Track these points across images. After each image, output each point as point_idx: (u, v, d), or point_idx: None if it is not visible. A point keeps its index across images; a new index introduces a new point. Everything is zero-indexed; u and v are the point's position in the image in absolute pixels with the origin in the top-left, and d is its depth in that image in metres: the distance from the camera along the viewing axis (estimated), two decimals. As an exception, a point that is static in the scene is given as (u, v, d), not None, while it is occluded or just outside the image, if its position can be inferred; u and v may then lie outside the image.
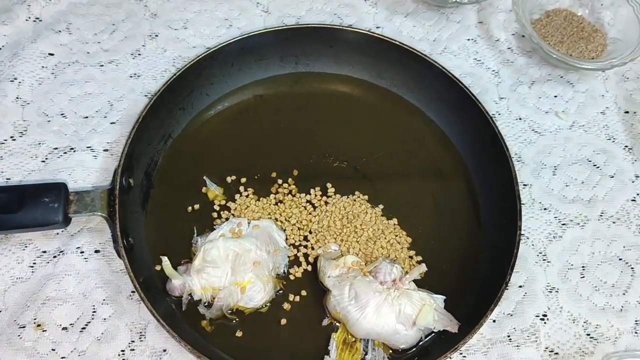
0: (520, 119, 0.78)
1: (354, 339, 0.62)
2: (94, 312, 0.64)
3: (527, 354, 0.63)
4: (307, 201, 0.70)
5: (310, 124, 0.76)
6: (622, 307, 0.66)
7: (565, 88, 0.81)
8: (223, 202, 0.69)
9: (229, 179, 0.71)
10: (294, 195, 0.70)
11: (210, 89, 0.76)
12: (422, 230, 0.68)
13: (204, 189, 0.70)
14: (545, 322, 0.65)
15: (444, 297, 0.63)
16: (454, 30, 0.85)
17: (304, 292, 0.65)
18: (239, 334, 0.62)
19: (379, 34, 0.76)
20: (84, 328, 0.63)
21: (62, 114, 0.75)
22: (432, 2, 0.86)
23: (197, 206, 0.69)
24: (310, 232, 0.68)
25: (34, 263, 0.66)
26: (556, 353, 0.64)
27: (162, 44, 0.82)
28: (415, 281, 0.63)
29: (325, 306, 0.63)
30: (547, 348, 0.64)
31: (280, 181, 0.71)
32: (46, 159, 0.72)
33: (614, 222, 0.71)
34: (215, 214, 0.68)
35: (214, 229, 0.66)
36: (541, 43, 0.77)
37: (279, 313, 0.64)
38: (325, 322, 0.63)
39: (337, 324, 0.63)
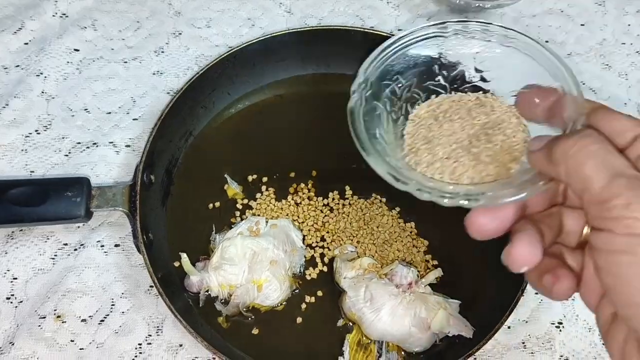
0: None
1: (368, 341, 0.62)
2: (112, 305, 0.65)
3: (541, 361, 0.63)
4: (324, 205, 0.70)
5: (330, 125, 0.75)
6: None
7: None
8: (244, 201, 0.70)
9: (250, 178, 0.71)
10: (310, 200, 0.70)
11: (231, 88, 0.76)
12: (438, 234, 0.68)
13: (225, 187, 0.71)
14: (560, 330, 0.65)
15: (459, 302, 0.63)
16: (476, 35, 0.85)
17: (319, 293, 0.65)
18: (254, 331, 0.63)
19: (400, 37, 0.76)
20: (102, 320, 0.64)
21: (85, 109, 0.77)
22: (455, 6, 0.86)
23: (217, 204, 0.69)
24: (327, 233, 0.68)
25: (55, 255, 0.67)
26: (571, 361, 0.64)
27: (185, 42, 0.83)
28: (430, 285, 0.63)
29: (340, 307, 0.64)
30: (562, 356, 0.64)
31: (299, 181, 0.71)
32: (69, 153, 0.74)
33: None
34: (237, 212, 0.69)
35: (232, 227, 0.67)
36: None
37: (294, 312, 0.64)
38: (340, 322, 0.63)
39: (352, 325, 0.63)
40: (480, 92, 0.48)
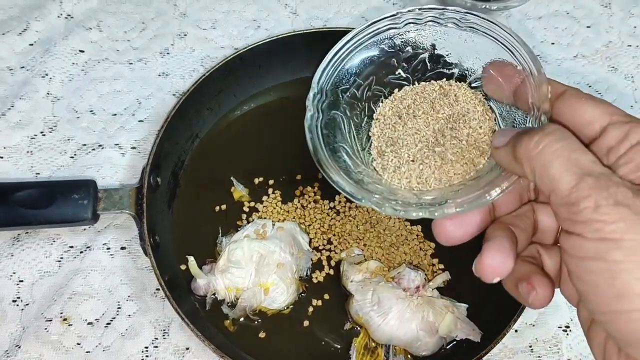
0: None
1: (375, 345, 0.62)
2: (119, 308, 0.65)
3: (548, 365, 0.63)
4: (331, 208, 0.70)
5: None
6: None
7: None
8: (251, 204, 0.70)
9: (256, 180, 0.71)
10: (316, 203, 0.70)
11: (237, 90, 0.76)
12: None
13: (231, 189, 0.70)
14: (567, 334, 0.65)
15: (466, 306, 0.63)
16: (482, 37, 0.85)
17: (326, 296, 0.65)
18: (261, 335, 0.63)
19: (407, 39, 0.76)
20: (109, 323, 0.64)
21: (91, 111, 0.76)
22: (460, 8, 0.85)
23: (223, 206, 0.69)
24: (334, 236, 0.68)
25: (61, 258, 0.67)
26: (578, 365, 0.64)
27: (191, 44, 0.82)
28: (438, 289, 0.63)
29: (347, 310, 0.63)
30: (569, 359, 0.64)
31: (305, 184, 0.71)
32: (75, 154, 0.73)
33: None
34: (244, 215, 0.69)
35: (239, 230, 0.66)
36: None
37: (301, 315, 0.64)
38: (347, 326, 0.63)
39: (359, 328, 0.63)
40: (444, 79, 0.47)
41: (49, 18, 0.82)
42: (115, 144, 0.74)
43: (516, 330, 0.65)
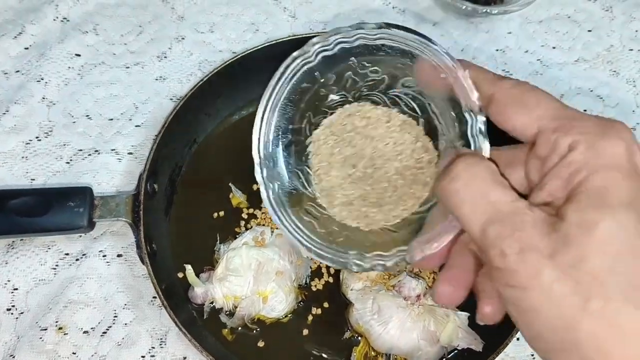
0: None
1: (375, 354, 0.61)
2: (115, 316, 0.64)
3: (551, 374, 0.62)
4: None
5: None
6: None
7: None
8: (249, 210, 0.69)
9: (254, 187, 0.70)
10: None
11: (236, 95, 0.75)
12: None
13: (229, 196, 0.69)
14: (570, 342, 0.64)
15: (467, 314, 0.62)
16: (482, 40, 0.84)
17: (325, 304, 0.64)
18: (260, 343, 0.62)
19: (407, 43, 0.75)
20: (105, 332, 0.63)
21: (87, 116, 0.75)
22: (462, 12, 0.85)
23: (221, 213, 0.68)
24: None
25: (57, 265, 0.66)
26: (581, 374, 0.63)
27: (189, 47, 0.81)
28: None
29: (347, 319, 0.63)
30: (571, 369, 0.63)
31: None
32: (71, 160, 0.72)
33: None
34: (242, 222, 0.68)
35: (237, 237, 0.66)
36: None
37: (300, 324, 0.63)
38: (347, 335, 0.63)
39: (359, 337, 0.62)
40: (375, 105, 0.46)
41: (44, 21, 0.81)
42: (112, 150, 0.73)
43: (518, 339, 0.64)
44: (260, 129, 0.45)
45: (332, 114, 0.47)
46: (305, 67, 0.45)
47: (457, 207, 0.33)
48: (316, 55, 0.44)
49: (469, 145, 0.38)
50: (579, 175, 0.31)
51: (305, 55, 0.44)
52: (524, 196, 0.33)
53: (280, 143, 0.46)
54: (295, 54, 0.45)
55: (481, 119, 0.37)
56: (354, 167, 0.45)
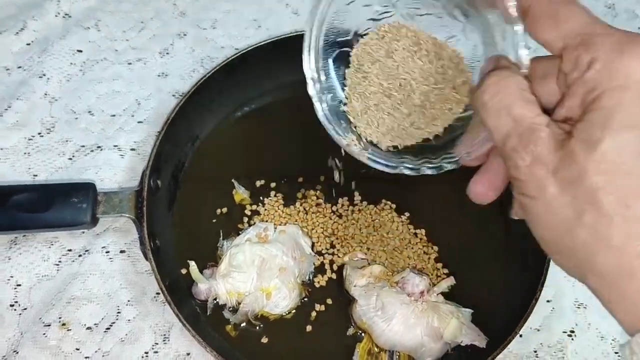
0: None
1: (378, 350, 0.61)
2: (118, 312, 0.64)
3: (554, 370, 0.63)
4: (333, 212, 0.69)
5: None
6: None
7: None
8: (252, 207, 0.69)
9: (257, 183, 0.70)
10: (318, 206, 0.69)
11: (238, 91, 0.75)
12: (449, 241, 0.67)
13: (233, 192, 0.69)
14: (572, 339, 0.64)
15: (471, 311, 0.62)
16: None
17: (329, 301, 0.64)
18: (263, 340, 0.62)
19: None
20: (108, 328, 0.63)
21: (89, 112, 0.75)
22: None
23: (224, 210, 0.68)
24: (337, 239, 0.67)
25: (60, 261, 0.66)
26: (583, 370, 0.63)
27: (191, 44, 0.81)
28: (442, 294, 0.62)
29: (350, 315, 0.63)
30: (574, 365, 0.63)
31: (307, 187, 0.70)
32: (73, 156, 0.72)
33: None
34: (245, 218, 0.68)
35: (240, 233, 0.66)
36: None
37: (303, 320, 0.63)
38: (351, 331, 0.62)
39: (363, 334, 0.62)
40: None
41: (46, 17, 0.81)
42: (114, 146, 0.73)
43: (521, 335, 0.64)
44: (309, 42, 0.46)
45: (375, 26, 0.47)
46: None
47: (485, 118, 0.35)
48: None
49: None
50: (592, 94, 0.32)
51: None
52: (549, 112, 0.35)
53: (330, 56, 0.47)
54: None
55: (518, 28, 0.37)
56: (387, 90, 0.46)
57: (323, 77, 0.46)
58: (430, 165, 0.44)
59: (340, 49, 0.47)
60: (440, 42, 0.46)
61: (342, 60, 0.47)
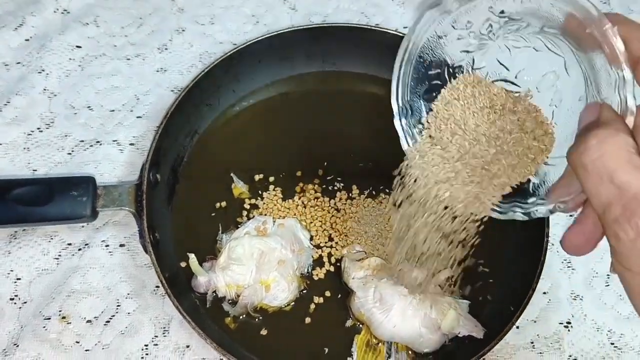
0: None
1: (377, 341, 0.62)
2: (118, 305, 0.64)
3: (550, 361, 0.63)
4: (331, 204, 0.69)
5: (336, 123, 0.75)
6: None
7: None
8: (251, 200, 0.69)
9: (256, 177, 0.70)
10: (317, 199, 0.70)
11: (236, 86, 0.75)
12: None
13: (232, 186, 0.70)
14: (569, 330, 0.65)
15: (468, 302, 0.63)
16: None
17: (327, 293, 0.65)
18: (262, 332, 0.62)
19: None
20: (108, 321, 0.63)
21: (88, 107, 0.76)
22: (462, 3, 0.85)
23: (223, 203, 0.69)
24: (335, 232, 0.68)
25: (59, 255, 0.66)
26: (580, 361, 0.64)
27: (189, 39, 0.82)
28: (439, 285, 0.63)
29: (349, 307, 0.63)
30: (570, 356, 0.64)
31: (306, 180, 0.71)
32: (72, 151, 0.73)
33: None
34: (244, 212, 0.68)
35: (239, 227, 0.66)
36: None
37: (302, 313, 0.64)
38: (349, 323, 0.63)
39: (361, 325, 0.63)
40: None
41: (45, 13, 0.81)
42: (114, 141, 0.73)
43: (518, 327, 0.64)
44: (398, 77, 0.45)
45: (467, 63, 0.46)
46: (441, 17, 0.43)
47: (584, 180, 0.32)
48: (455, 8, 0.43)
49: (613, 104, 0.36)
50: None
51: (442, 8, 0.43)
52: None
53: (418, 91, 0.46)
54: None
55: (627, 75, 0.34)
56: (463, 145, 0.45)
57: (410, 112, 0.46)
58: (519, 210, 0.43)
59: (430, 83, 0.46)
60: (514, 94, 0.45)
61: (432, 95, 0.46)
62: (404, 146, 0.46)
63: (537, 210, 0.42)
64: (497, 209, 0.44)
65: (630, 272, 0.31)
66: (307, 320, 0.63)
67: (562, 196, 0.40)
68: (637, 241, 0.30)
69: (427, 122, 0.47)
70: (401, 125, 0.46)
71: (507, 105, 0.45)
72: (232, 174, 0.70)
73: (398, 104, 0.45)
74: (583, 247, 0.37)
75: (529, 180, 0.45)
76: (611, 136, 0.32)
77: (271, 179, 0.71)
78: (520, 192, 0.45)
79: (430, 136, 0.47)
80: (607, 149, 0.31)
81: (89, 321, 0.63)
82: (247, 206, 0.69)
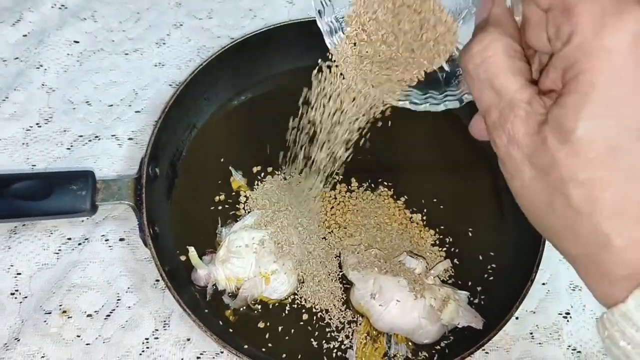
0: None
1: (377, 333, 0.62)
2: (118, 299, 0.64)
3: (549, 351, 0.63)
4: (331, 197, 0.70)
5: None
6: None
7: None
8: (248, 193, 0.69)
9: (254, 170, 0.71)
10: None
11: (234, 80, 0.75)
12: (445, 225, 0.68)
13: (231, 179, 0.70)
14: (568, 320, 0.65)
15: (467, 293, 0.63)
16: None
17: (327, 285, 0.65)
18: (262, 324, 0.62)
19: (405, 27, 0.76)
20: (108, 315, 0.63)
21: (87, 102, 0.76)
22: None
23: (222, 197, 0.69)
24: (334, 224, 0.68)
25: (60, 250, 0.67)
26: (579, 351, 0.64)
27: (187, 34, 0.82)
28: (439, 276, 0.63)
29: (348, 299, 0.63)
30: (569, 346, 0.64)
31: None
32: (71, 146, 0.73)
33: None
34: (241, 205, 0.68)
35: (238, 220, 0.66)
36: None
37: (302, 305, 0.64)
38: (349, 315, 0.63)
39: (361, 317, 0.63)
40: None
41: (42, 8, 0.81)
42: (112, 135, 0.73)
43: (517, 317, 0.65)
44: None
45: None
46: None
47: (469, 84, 0.34)
48: None
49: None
50: (570, 72, 0.30)
51: None
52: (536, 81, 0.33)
53: None
54: None
55: None
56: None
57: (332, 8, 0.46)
58: (433, 102, 0.44)
59: None
60: None
61: None
62: (328, 45, 0.47)
63: (448, 102, 0.44)
64: (414, 100, 0.45)
65: (509, 176, 0.33)
66: (307, 312, 0.63)
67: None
68: (509, 146, 0.32)
69: (347, 20, 0.47)
70: (323, 24, 0.46)
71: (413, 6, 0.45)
72: (230, 167, 0.70)
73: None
74: (485, 133, 0.37)
75: (442, 70, 0.46)
76: (493, 41, 0.32)
77: (269, 170, 0.71)
78: (434, 84, 0.46)
79: (347, 37, 0.47)
80: (489, 55, 0.32)
81: (89, 315, 0.63)
82: (243, 200, 0.69)
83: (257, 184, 0.70)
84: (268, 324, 0.63)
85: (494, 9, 0.34)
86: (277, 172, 0.71)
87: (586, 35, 0.29)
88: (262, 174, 0.70)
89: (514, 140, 0.31)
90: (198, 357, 0.62)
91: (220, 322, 0.62)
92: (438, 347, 0.61)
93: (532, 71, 0.33)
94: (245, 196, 0.69)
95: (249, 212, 0.67)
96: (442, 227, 0.68)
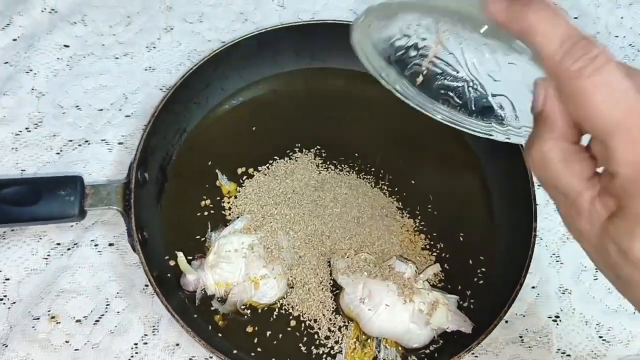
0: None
1: (366, 337, 0.62)
2: (107, 305, 0.64)
3: (539, 355, 0.63)
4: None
5: (325, 120, 0.75)
6: (635, 310, 0.66)
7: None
8: (234, 199, 0.69)
9: (240, 172, 0.70)
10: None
11: (225, 84, 0.75)
12: (436, 230, 0.68)
13: (217, 183, 0.70)
14: (557, 324, 0.65)
15: (457, 297, 0.63)
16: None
17: (317, 289, 0.65)
18: (250, 329, 0.62)
19: (395, 31, 0.76)
20: (97, 321, 0.63)
21: (77, 106, 0.75)
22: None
23: (211, 201, 0.69)
24: (324, 228, 0.68)
25: (48, 255, 0.66)
26: (568, 355, 0.64)
27: (177, 38, 0.81)
28: (428, 281, 0.63)
29: (338, 304, 0.63)
30: (559, 350, 0.64)
31: (294, 178, 0.71)
32: (61, 151, 0.72)
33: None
34: (230, 210, 0.68)
35: (228, 225, 0.66)
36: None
37: (291, 309, 0.64)
38: (339, 319, 0.63)
39: (350, 322, 0.63)
40: None
41: (32, 12, 0.81)
42: (102, 140, 0.73)
43: (506, 321, 0.65)
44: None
45: None
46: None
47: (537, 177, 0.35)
48: None
49: None
50: (619, 200, 0.32)
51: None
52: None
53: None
54: None
55: None
56: None
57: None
58: (498, 131, 0.44)
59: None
60: None
61: None
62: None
63: (510, 137, 0.43)
64: (477, 129, 0.44)
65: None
66: (294, 319, 0.63)
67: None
68: (577, 235, 0.34)
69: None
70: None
71: None
72: (217, 171, 0.70)
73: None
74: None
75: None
76: (549, 150, 0.34)
77: (259, 172, 0.70)
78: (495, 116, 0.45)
79: None
80: (547, 160, 0.34)
81: (78, 321, 0.63)
82: (231, 203, 0.68)
83: (246, 188, 0.69)
84: (257, 328, 0.62)
85: (546, 107, 0.34)
86: (266, 174, 0.70)
87: (627, 176, 0.31)
88: (251, 178, 0.70)
89: (582, 233, 0.34)
90: (187, 363, 0.62)
91: (210, 327, 0.62)
92: (427, 351, 0.61)
93: (593, 164, 0.34)
94: (232, 201, 0.69)
95: (238, 217, 0.67)
96: (432, 232, 0.68)
